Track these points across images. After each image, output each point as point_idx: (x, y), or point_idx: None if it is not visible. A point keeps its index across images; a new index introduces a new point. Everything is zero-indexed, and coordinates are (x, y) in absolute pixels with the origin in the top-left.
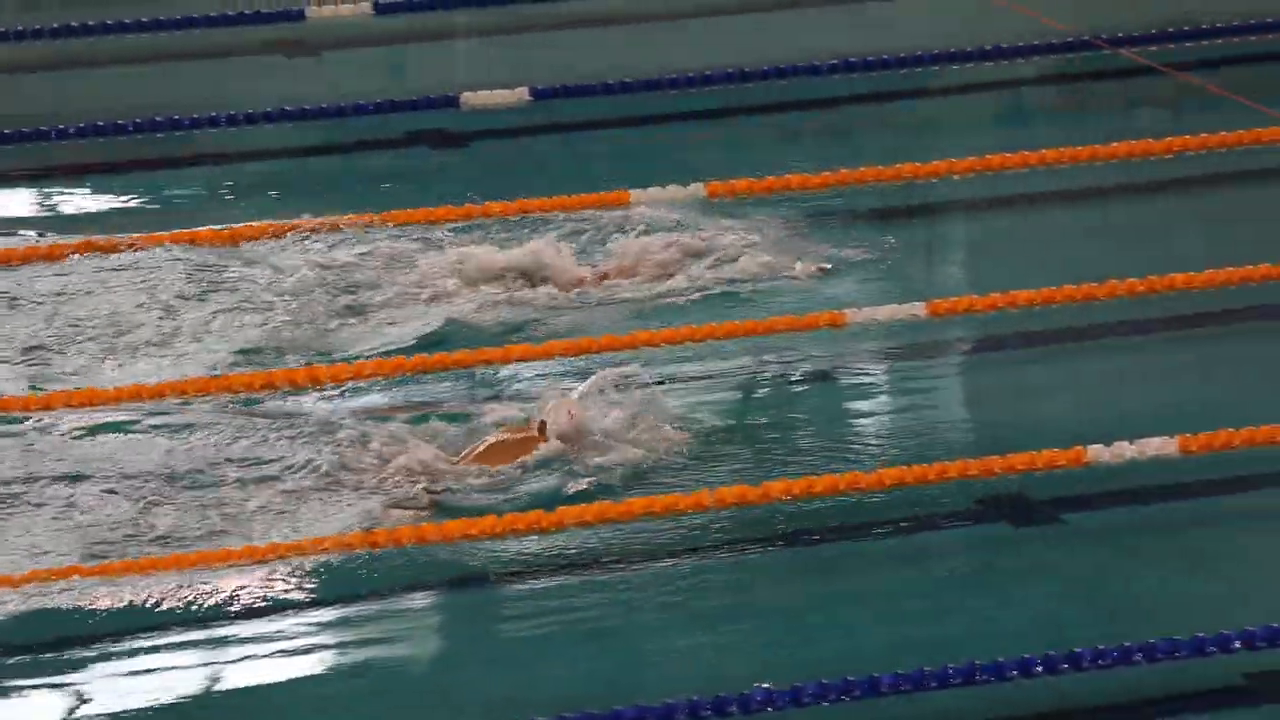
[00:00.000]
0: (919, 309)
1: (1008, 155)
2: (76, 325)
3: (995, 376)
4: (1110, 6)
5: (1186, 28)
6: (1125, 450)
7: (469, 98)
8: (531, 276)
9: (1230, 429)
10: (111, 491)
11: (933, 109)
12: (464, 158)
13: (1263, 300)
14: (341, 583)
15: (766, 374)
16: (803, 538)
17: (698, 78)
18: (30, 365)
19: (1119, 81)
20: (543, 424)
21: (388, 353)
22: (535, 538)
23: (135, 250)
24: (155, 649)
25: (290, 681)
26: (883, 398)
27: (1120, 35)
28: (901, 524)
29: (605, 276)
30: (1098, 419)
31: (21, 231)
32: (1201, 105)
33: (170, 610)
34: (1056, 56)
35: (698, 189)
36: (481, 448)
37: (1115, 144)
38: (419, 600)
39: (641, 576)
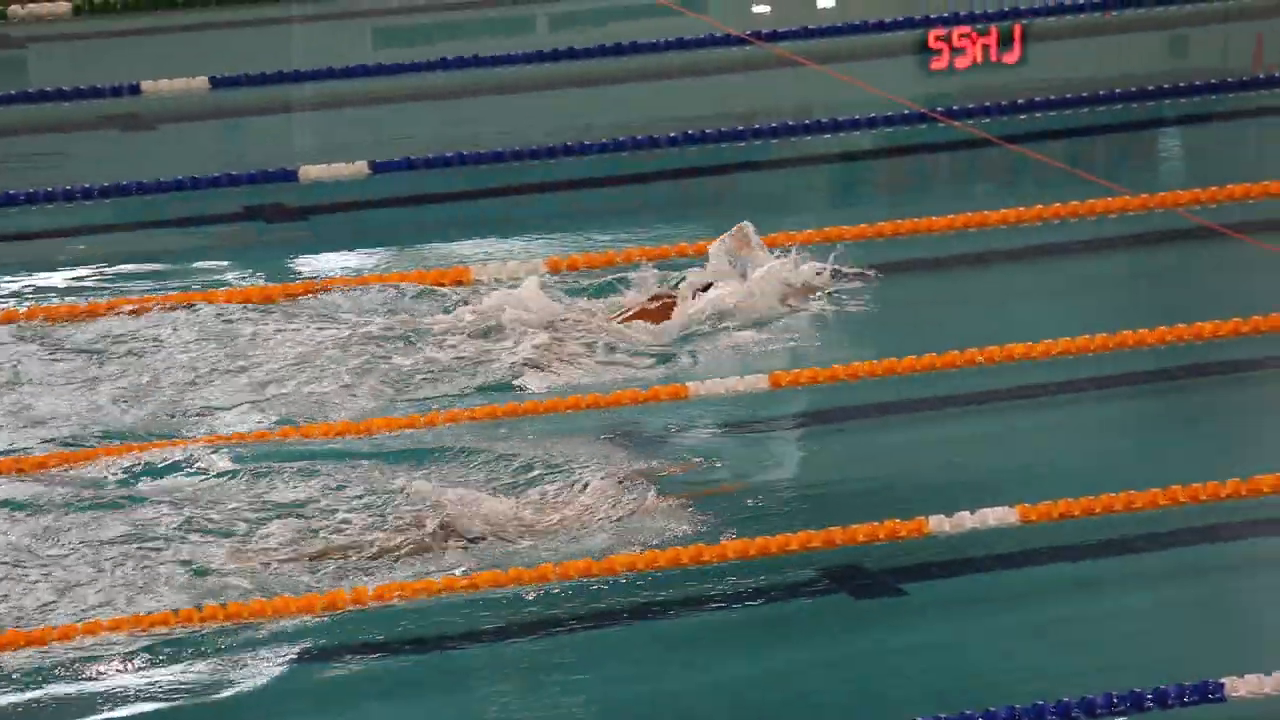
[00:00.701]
0: (762, 381)
1: (845, 228)
2: None
3: (839, 445)
4: (944, 80)
5: (1020, 100)
6: (965, 520)
7: (308, 171)
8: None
9: (1069, 498)
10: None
11: (769, 182)
12: (302, 231)
13: (1106, 369)
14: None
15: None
16: (647, 611)
17: (542, 150)
18: None
19: (954, 154)
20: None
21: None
22: None
23: None
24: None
25: None
26: (727, 468)
27: (955, 108)
28: (744, 596)
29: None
30: (940, 488)
31: None
32: (1035, 177)
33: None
34: (892, 129)
35: (537, 264)
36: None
37: (953, 215)
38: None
39: (479, 655)
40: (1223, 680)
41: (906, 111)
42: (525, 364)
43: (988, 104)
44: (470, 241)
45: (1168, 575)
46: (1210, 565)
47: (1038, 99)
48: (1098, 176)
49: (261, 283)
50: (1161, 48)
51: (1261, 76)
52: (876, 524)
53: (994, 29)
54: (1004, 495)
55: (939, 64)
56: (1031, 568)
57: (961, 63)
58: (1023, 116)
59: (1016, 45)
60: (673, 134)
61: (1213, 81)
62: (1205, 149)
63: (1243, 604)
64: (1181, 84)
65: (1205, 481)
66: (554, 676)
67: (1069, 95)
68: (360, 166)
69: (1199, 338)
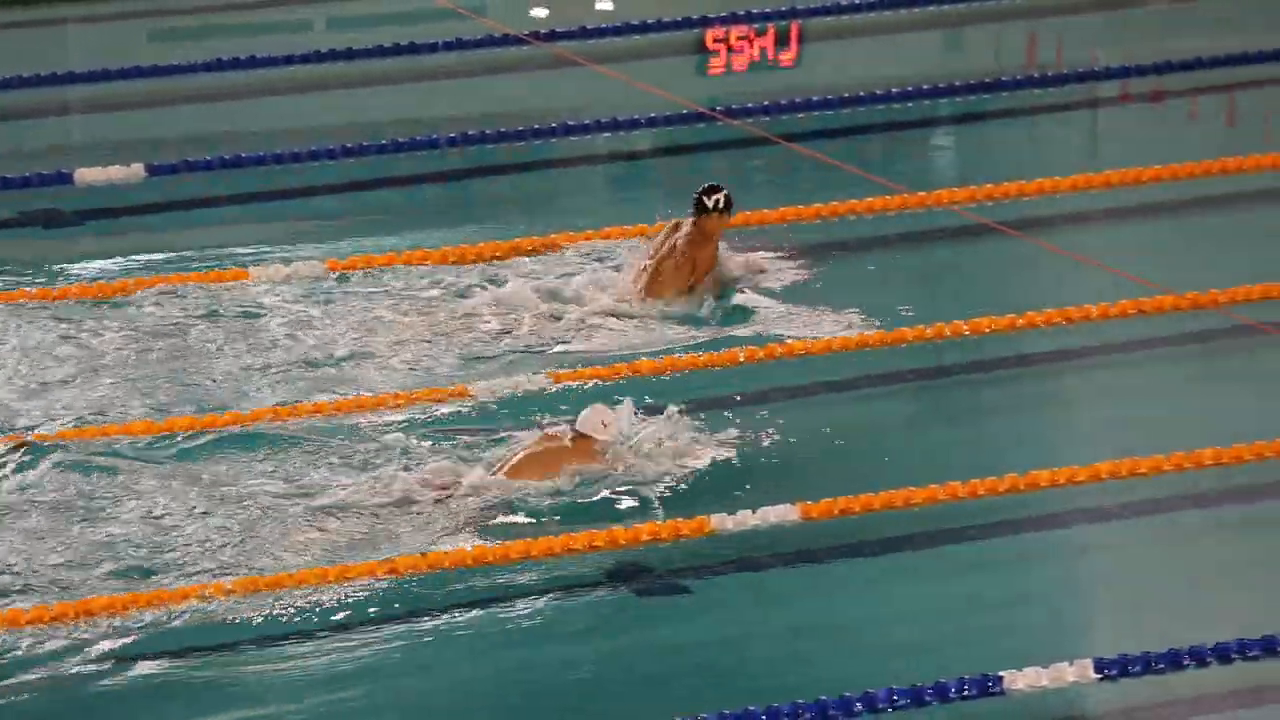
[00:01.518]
0: (542, 380)
1: (626, 228)
2: None
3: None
4: (722, 80)
5: (797, 99)
6: (748, 519)
7: (83, 174)
8: None
9: (849, 495)
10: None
11: (548, 181)
12: (76, 236)
13: (885, 366)
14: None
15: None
16: (429, 610)
17: (321, 151)
18: None
19: (732, 152)
20: (577, 435)
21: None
22: None
23: None
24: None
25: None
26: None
27: (733, 107)
28: (534, 594)
29: None
30: (723, 486)
31: None
32: (813, 175)
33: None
34: (673, 128)
35: (318, 266)
36: (516, 459)
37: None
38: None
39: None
40: (1001, 674)
41: (685, 111)
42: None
43: (766, 103)
44: (249, 244)
45: (947, 571)
46: (988, 560)
47: (815, 98)
48: (875, 174)
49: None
50: (936, 47)
51: (1035, 75)
52: (658, 523)
53: (771, 28)
54: (786, 493)
55: (717, 64)
56: (813, 565)
57: (739, 62)
58: (800, 115)
59: (793, 45)
60: (452, 134)
61: (987, 80)
62: (981, 147)
63: (1020, 599)
64: (957, 83)
65: (984, 477)
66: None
67: (846, 94)
68: (136, 169)
69: (975, 333)
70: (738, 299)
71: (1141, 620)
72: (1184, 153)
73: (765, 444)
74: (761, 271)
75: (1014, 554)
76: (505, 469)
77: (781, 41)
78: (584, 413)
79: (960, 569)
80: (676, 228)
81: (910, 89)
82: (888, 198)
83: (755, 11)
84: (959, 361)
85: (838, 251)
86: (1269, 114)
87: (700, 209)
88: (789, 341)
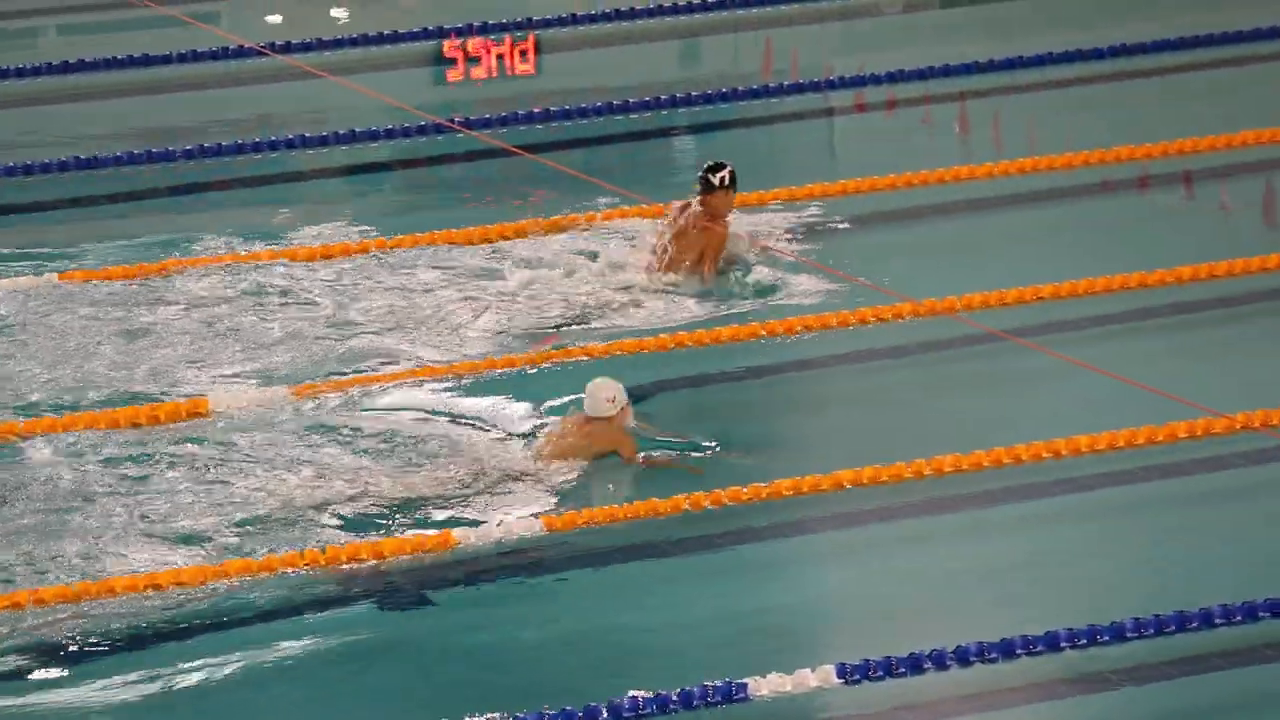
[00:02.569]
0: (282, 392)
1: (366, 241)
2: None
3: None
4: (462, 90)
5: (535, 109)
6: (492, 533)
7: None
8: None
9: (590, 508)
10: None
11: (283, 193)
12: None
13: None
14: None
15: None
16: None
17: (35, 165)
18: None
19: (471, 163)
20: (587, 418)
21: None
22: None
23: None
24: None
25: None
26: (242, 483)
27: (471, 118)
28: (267, 610)
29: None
30: (468, 499)
31: None
32: (553, 186)
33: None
34: (410, 139)
35: (51, 278)
36: (556, 437)
37: (470, 227)
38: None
39: None
40: (746, 680)
41: (423, 122)
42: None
43: (504, 113)
44: None
45: (692, 578)
46: (733, 567)
47: (554, 108)
48: (616, 185)
49: None
50: (673, 56)
51: (771, 85)
52: (403, 538)
53: (509, 39)
54: (529, 505)
55: (455, 74)
56: (557, 576)
57: (477, 73)
58: (539, 126)
59: (531, 55)
60: (188, 147)
61: (724, 90)
62: (721, 155)
63: (765, 605)
64: (694, 92)
65: (745, 485)
66: None
67: (584, 104)
68: None
69: (717, 342)
70: (752, 276)
71: (887, 625)
72: (917, 161)
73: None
74: (766, 248)
75: (761, 561)
76: (543, 454)
77: (519, 52)
78: (588, 393)
79: (706, 576)
80: (685, 207)
81: (649, 99)
82: (626, 208)
83: (492, 23)
84: (706, 371)
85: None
86: (998, 120)
87: (707, 186)
88: (511, 355)
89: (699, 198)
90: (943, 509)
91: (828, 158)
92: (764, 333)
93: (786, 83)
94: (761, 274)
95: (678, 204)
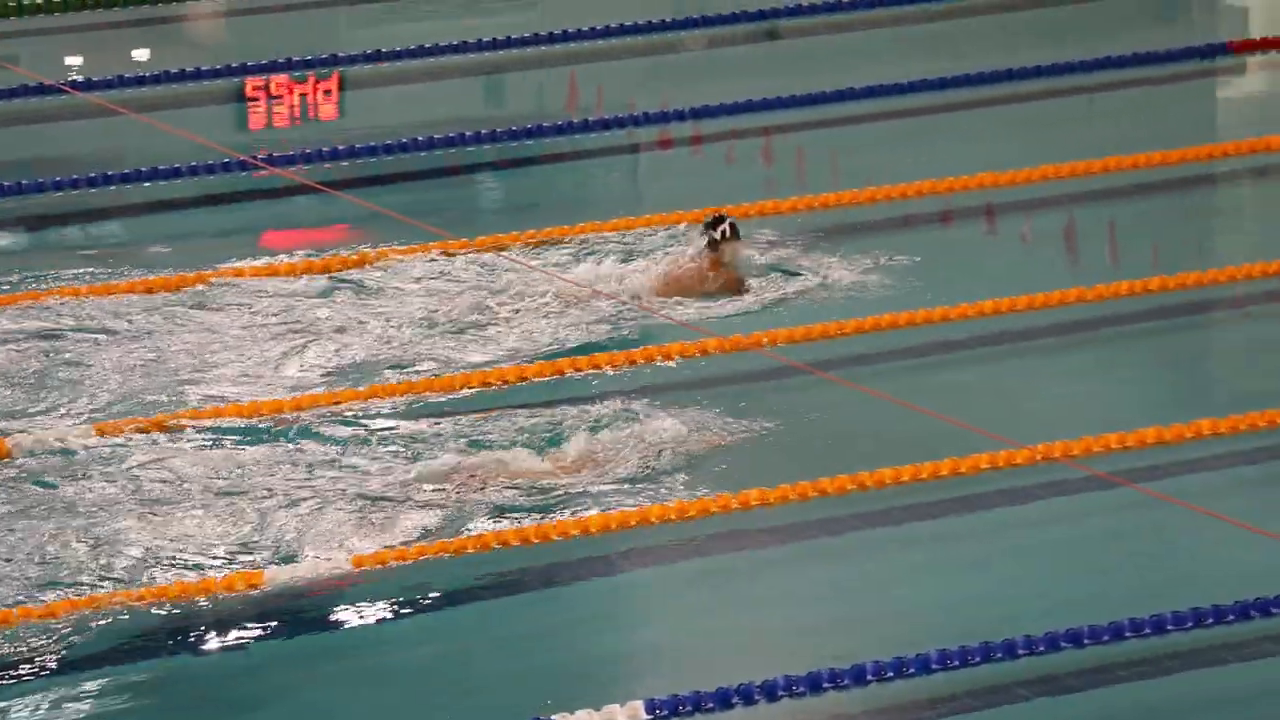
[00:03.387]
0: (87, 430)
1: (185, 275)
2: None
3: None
4: (266, 128)
5: (340, 146)
6: (299, 570)
7: None
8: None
9: (403, 546)
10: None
11: (85, 234)
12: None
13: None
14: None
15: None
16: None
17: None
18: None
19: (276, 201)
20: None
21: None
22: None
23: None
24: None
25: None
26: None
27: (275, 155)
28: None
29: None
30: (273, 544)
31: None
32: (361, 224)
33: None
34: (214, 176)
35: None
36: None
37: (277, 262)
38: None
39: None
40: (552, 717)
41: (227, 160)
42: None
43: (308, 150)
44: None
45: (503, 616)
46: (542, 602)
47: (358, 145)
48: (424, 222)
49: None
50: (478, 92)
51: (575, 121)
52: (213, 579)
53: (312, 76)
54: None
55: (258, 111)
56: (368, 616)
57: (280, 110)
58: (345, 163)
59: (335, 92)
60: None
61: (529, 126)
62: (528, 191)
63: (574, 641)
64: (499, 129)
65: (554, 520)
66: None
67: (390, 141)
68: None
69: (522, 379)
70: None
71: (697, 661)
72: (723, 196)
73: (315, 496)
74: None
75: (572, 597)
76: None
77: (323, 90)
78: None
79: (518, 612)
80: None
81: (454, 135)
82: (437, 243)
83: (296, 59)
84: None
85: (388, 298)
86: (802, 155)
87: (711, 244)
88: (340, 390)
89: (706, 255)
90: (750, 544)
91: (633, 193)
92: (572, 369)
93: (592, 118)
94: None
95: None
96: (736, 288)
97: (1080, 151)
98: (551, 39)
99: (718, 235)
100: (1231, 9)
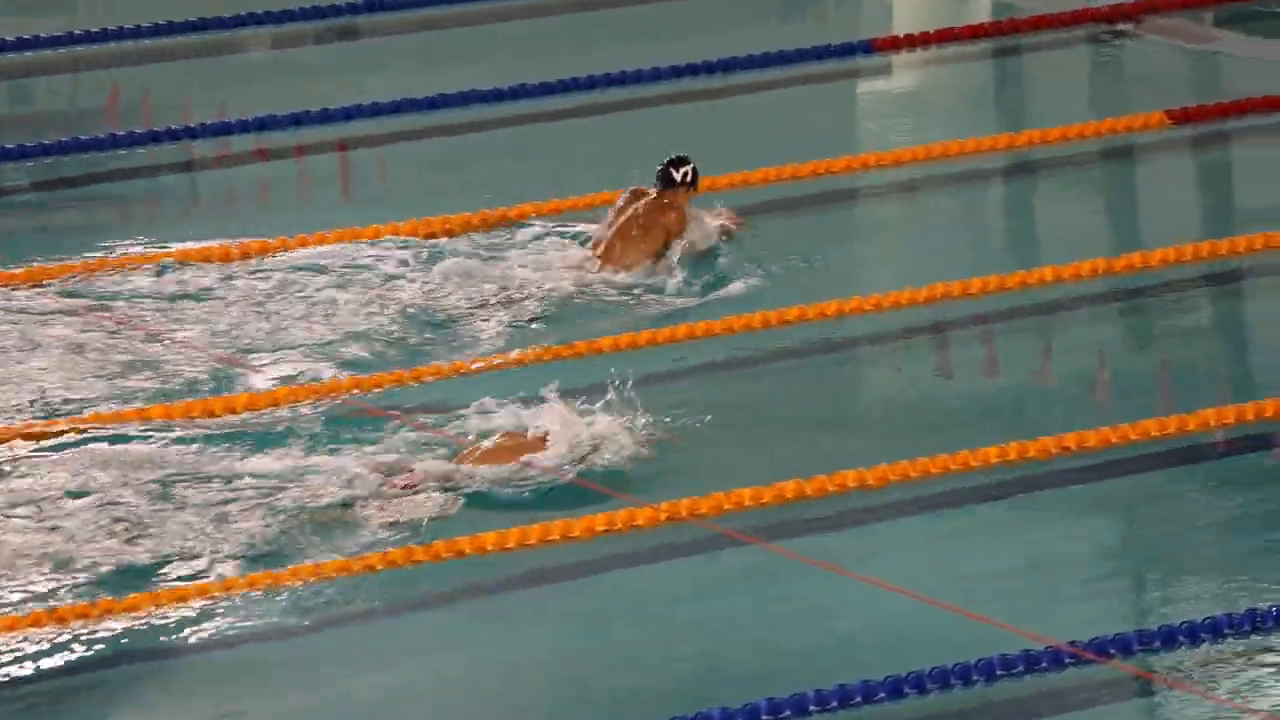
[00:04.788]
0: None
1: None
2: None
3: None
4: None
5: None
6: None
7: None
8: None
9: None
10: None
11: None
12: None
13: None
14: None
15: None
16: None
17: None
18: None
19: None
20: (543, 434)
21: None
22: None
23: None
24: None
25: None
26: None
27: None
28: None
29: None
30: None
31: None
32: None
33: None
34: None
35: None
36: (481, 450)
37: None
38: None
39: None
40: None
41: None
42: None
43: None
44: None
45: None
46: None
47: None
48: None
49: None
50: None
51: (119, 134)
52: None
53: None
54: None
55: None
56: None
57: None
58: None
59: None
60: None
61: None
62: (68, 204)
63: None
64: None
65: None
66: None
67: None
68: None
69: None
70: (704, 270)
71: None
72: (292, 227)
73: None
74: (730, 235)
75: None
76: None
77: None
78: (541, 410)
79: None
80: (637, 195)
81: None
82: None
83: None
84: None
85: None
86: (384, 171)
87: (667, 182)
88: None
89: (656, 190)
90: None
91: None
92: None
93: (139, 130)
94: (715, 267)
95: (626, 192)
96: (680, 233)
97: (724, 164)
98: (90, 38)
99: (678, 176)
100: (873, 4)
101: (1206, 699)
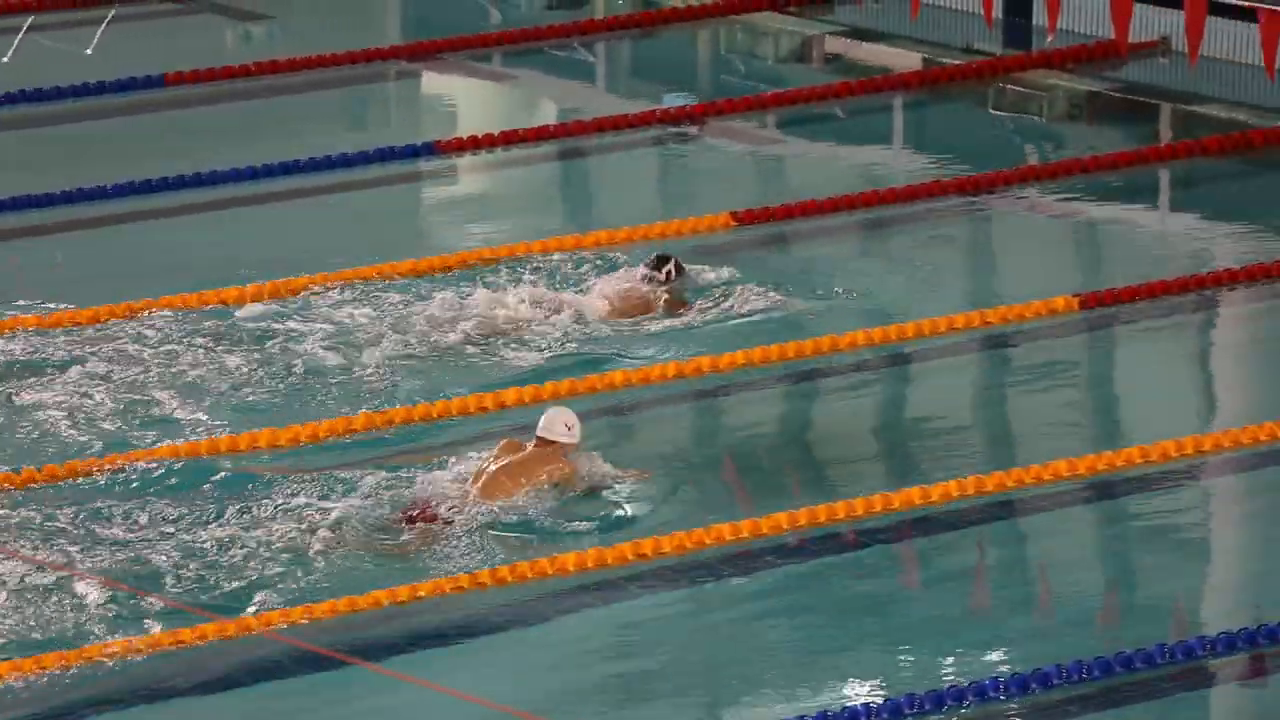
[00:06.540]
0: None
1: None
2: None
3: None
4: None
5: None
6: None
7: None
8: None
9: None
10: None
11: None
12: None
13: None
14: None
15: None
16: None
17: None
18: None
19: None
20: (540, 440)
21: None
22: None
23: None
24: None
25: None
26: None
27: None
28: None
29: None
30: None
31: None
32: None
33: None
34: None
35: None
36: (486, 475)
37: None
38: None
39: None
40: None
41: None
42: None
43: None
44: None
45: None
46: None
47: None
48: None
49: None
50: None
51: None
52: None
53: None
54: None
55: None
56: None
57: None
58: None
59: None
60: None
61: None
62: None
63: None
64: None
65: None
66: None
67: None
68: None
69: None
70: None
71: None
72: None
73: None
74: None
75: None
76: (479, 485)
77: None
78: (546, 416)
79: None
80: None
81: None
82: None
83: None
84: None
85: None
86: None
87: (655, 280)
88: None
89: (655, 290)
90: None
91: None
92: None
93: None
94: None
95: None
96: (679, 308)
97: (298, 267)
98: None
99: (662, 277)
100: (437, 109)
101: None
